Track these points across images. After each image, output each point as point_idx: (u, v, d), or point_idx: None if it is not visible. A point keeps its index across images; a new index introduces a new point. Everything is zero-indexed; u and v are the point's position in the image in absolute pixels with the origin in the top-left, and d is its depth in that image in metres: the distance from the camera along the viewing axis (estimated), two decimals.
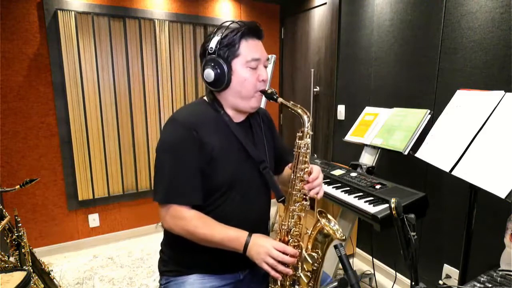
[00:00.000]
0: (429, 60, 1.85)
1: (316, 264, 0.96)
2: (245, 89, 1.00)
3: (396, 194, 1.47)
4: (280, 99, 1.02)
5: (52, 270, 1.83)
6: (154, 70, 2.74)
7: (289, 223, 0.98)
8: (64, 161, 2.52)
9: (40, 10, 2.30)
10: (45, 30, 2.33)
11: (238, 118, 1.07)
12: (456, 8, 1.69)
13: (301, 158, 0.98)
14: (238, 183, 1.02)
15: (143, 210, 2.90)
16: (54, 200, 2.55)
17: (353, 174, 1.75)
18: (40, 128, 2.43)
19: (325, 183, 1.74)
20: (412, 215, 0.79)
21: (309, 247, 0.98)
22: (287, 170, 1.22)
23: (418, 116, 1.71)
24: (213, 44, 0.98)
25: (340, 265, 1.52)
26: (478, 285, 0.95)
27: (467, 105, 1.39)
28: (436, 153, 1.40)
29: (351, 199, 1.52)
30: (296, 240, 0.98)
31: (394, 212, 0.78)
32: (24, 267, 1.58)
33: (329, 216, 1.00)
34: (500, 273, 1.01)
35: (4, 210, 1.60)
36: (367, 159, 1.89)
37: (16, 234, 1.60)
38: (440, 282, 1.85)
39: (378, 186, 1.56)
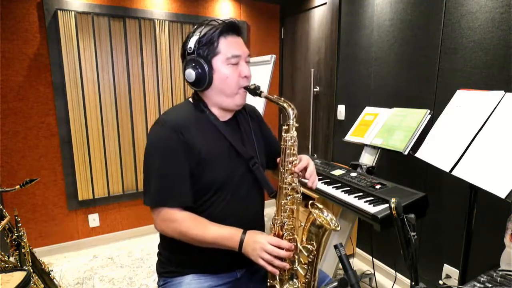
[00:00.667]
0: (429, 60, 1.85)
1: (311, 256, 0.96)
2: (228, 86, 1.00)
3: (396, 194, 1.47)
4: (264, 94, 1.01)
5: (52, 270, 1.83)
6: (154, 70, 2.74)
7: (282, 217, 0.98)
8: (64, 161, 2.52)
9: (40, 10, 2.30)
10: (45, 30, 2.33)
11: (224, 116, 1.07)
12: (456, 8, 1.69)
13: (288, 151, 0.98)
14: (229, 182, 1.02)
15: (143, 210, 2.90)
16: (54, 200, 2.55)
17: (353, 174, 1.75)
18: (40, 128, 2.43)
19: (325, 183, 1.74)
20: (412, 215, 0.79)
21: (304, 239, 0.97)
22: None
23: (418, 116, 1.71)
24: (191, 44, 0.98)
25: (340, 265, 1.52)
26: (478, 285, 0.95)
27: (467, 105, 1.39)
28: (436, 153, 1.40)
29: (351, 199, 1.52)
30: (290, 234, 0.98)
31: (394, 212, 0.78)
32: (24, 267, 1.58)
33: (320, 206, 1.00)
34: (500, 273, 1.01)
35: (4, 210, 1.60)
36: (367, 159, 1.89)
37: (16, 234, 1.60)
38: (440, 282, 1.85)
39: (378, 186, 1.56)
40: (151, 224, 2.96)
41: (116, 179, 2.73)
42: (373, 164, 1.84)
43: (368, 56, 2.27)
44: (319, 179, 1.79)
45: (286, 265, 0.92)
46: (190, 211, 1.00)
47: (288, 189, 0.99)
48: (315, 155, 2.93)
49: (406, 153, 1.63)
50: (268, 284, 1.01)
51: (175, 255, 1.07)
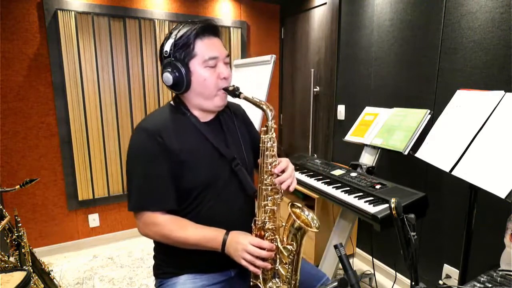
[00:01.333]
0: (429, 60, 1.85)
1: (291, 256, 0.97)
2: (207, 88, 0.99)
3: (396, 194, 1.47)
4: (243, 95, 1.00)
5: (52, 270, 1.83)
6: (154, 70, 2.74)
7: (262, 218, 0.99)
8: (64, 161, 2.52)
9: (40, 10, 2.30)
10: (45, 30, 2.33)
11: (206, 117, 1.07)
12: (456, 8, 1.69)
13: (267, 152, 0.98)
14: (213, 184, 1.02)
15: None
16: (54, 200, 2.55)
17: (353, 174, 1.75)
18: (40, 128, 2.43)
19: (325, 183, 1.74)
20: (412, 215, 0.79)
21: (285, 239, 0.98)
22: None
23: (418, 116, 1.71)
24: (167, 47, 0.97)
25: (340, 265, 1.52)
26: (478, 285, 0.95)
27: (467, 105, 1.39)
28: (436, 153, 1.40)
29: (351, 199, 1.52)
30: (271, 234, 0.99)
31: (394, 212, 0.78)
32: (24, 267, 1.58)
33: (299, 205, 1.00)
34: (500, 273, 1.01)
35: (4, 210, 1.60)
36: (367, 159, 1.89)
37: (16, 234, 1.60)
38: (440, 282, 1.85)
39: (378, 186, 1.56)
40: None
41: (116, 179, 2.73)
42: (373, 164, 1.84)
43: (368, 56, 2.27)
44: (319, 179, 1.79)
45: (268, 265, 0.93)
46: (175, 214, 1.00)
47: (268, 190, 0.99)
48: (315, 155, 2.93)
49: (406, 153, 1.63)
50: (251, 283, 1.01)
51: (169, 256, 1.07)
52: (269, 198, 0.99)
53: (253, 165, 1.16)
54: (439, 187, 1.84)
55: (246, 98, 1.00)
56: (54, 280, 1.80)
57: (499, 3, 1.51)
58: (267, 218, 0.99)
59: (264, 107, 0.97)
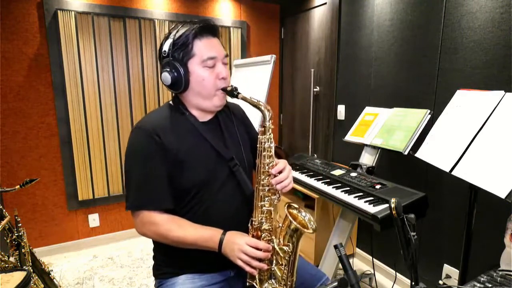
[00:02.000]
0: (429, 60, 1.85)
1: (287, 257, 0.97)
2: (205, 88, 0.99)
3: (396, 194, 1.47)
4: (241, 95, 1.00)
5: (52, 270, 1.83)
6: (154, 70, 2.74)
7: (259, 219, 0.99)
8: (64, 161, 2.52)
9: (40, 10, 2.30)
10: (45, 30, 2.33)
11: (204, 117, 1.07)
12: (456, 8, 1.69)
13: (264, 153, 0.98)
14: (210, 183, 1.02)
15: None
16: (54, 200, 2.55)
17: (353, 174, 1.75)
18: (40, 128, 2.43)
19: (325, 183, 1.74)
20: (412, 215, 0.79)
21: (281, 240, 0.98)
22: None
23: (418, 116, 1.71)
24: (166, 47, 0.98)
25: (340, 265, 1.52)
26: (478, 285, 0.95)
27: (467, 105, 1.39)
28: (436, 153, 1.40)
29: (351, 199, 1.52)
30: (268, 235, 0.99)
31: (394, 212, 0.78)
32: (24, 267, 1.58)
33: (295, 206, 1.01)
34: (500, 273, 1.01)
35: (4, 210, 1.60)
36: (367, 159, 1.89)
37: (16, 234, 1.60)
38: (440, 282, 1.85)
39: (378, 186, 1.56)
40: None
41: (116, 179, 2.73)
42: (373, 164, 1.84)
43: (368, 56, 2.27)
44: (319, 179, 1.79)
45: (264, 265, 0.93)
46: (173, 214, 1.00)
47: (265, 191, 0.99)
48: (315, 155, 2.93)
49: (406, 153, 1.63)
50: (248, 284, 1.01)
51: (169, 257, 1.07)
52: (266, 198, 0.99)
53: (252, 166, 1.15)
54: (439, 187, 1.84)
55: (244, 99, 1.00)
56: (54, 280, 1.80)
57: (499, 3, 1.51)
58: (263, 218, 0.99)
59: (262, 107, 0.98)
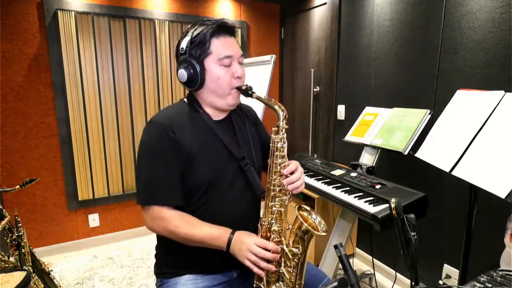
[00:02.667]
0: (429, 60, 1.85)
1: (296, 259, 0.95)
2: (220, 87, 1.00)
3: (396, 194, 1.47)
4: (255, 94, 1.01)
5: (52, 270, 1.83)
6: (154, 70, 2.74)
7: (269, 219, 0.98)
8: (64, 161, 2.52)
9: (40, 10, 2.30)
10: (45, 30, 2.33)
11: (218, 116, 1.07)
12: (456, 8, 1.69)
13: (277, 153, 0.98)
14: (220, 182, 1.02)
15: None
16: (54, 200, 2.55)
17: (353, 174, 1.75)
18: (40, 128, 2.43)
19: (325, 183, 1.74)
20: (412, 215, 0.79)
21: (291, 242, 0.97)
22: None
23: (418, 116, 1.71)
24: (184, 44, 0.98)
25: (340, 265, 1.52)
26: (478, 285, 0.95)
27: (467, 105, 1.39)
28: (436, 153, 1.40)
29: (351, 199, 1.52)
30: (277, 236, 0.98)
31: (394, 212, 0.78)
32: (24, 267, 1.58)
33: (307, 208, 0.99)
34: (500, 273, 1.01)
35: (4, 210, 1.60)
36: (367, 159, 1.89)
37: (16, 234, 1.60)
38: (440, 282, 1.85)
39: (378, 186, 1.56)
40: None
41: (116, 179, 2.73)
42: (373, 164, 1.84)
43: (368, 56, 2.27)
44: (319, 179, 1.79)
45: (272, 267, 0.92)
46: (182, 211, 1.00)
47: (276, 191, 0.98)
48: (315, 155, 2.93)
49: (406, 153, 1.63)
50: (255, 285, 1.00)
51: (171, 256, 1.07)
52: (277, 199, 0.99)
53: (261, 167, 1.15)
54: (439, 187, 1.84)
55: (258, 98, 1.01)
56: (54, 280, 1.80)
57: (499, 3, 1.51)
58: (273, 219, 0.98)
59: (276, 107, 0.97)
